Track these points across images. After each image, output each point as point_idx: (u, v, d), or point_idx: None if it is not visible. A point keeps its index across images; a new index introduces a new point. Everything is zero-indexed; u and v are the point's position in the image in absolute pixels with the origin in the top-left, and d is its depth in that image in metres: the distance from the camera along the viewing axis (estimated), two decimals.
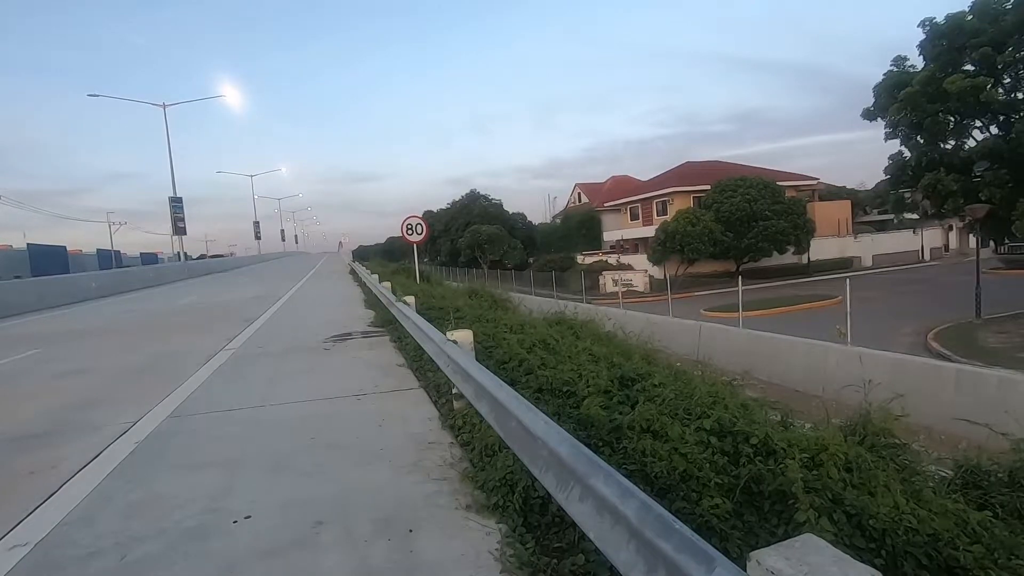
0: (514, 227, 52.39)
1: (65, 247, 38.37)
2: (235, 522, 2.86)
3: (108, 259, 49.99)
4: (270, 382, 6.00)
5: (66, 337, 11.21)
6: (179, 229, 35.09)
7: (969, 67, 18.69)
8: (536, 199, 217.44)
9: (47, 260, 32.71)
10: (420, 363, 6.11)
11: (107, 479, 3.58)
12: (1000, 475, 3.14)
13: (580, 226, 50.52)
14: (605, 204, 50.20)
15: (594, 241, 49.32)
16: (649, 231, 38.87)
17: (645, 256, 37.11)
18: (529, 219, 57.62)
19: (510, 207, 56.66)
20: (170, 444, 4.20)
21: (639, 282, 33.84)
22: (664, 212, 40.17)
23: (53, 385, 6.69)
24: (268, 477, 3.44)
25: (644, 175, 53.74)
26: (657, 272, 34.51)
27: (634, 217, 46.18)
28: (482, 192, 56.95)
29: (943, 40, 18.85)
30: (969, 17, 18.41)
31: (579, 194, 59.58)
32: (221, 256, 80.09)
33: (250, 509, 2.99)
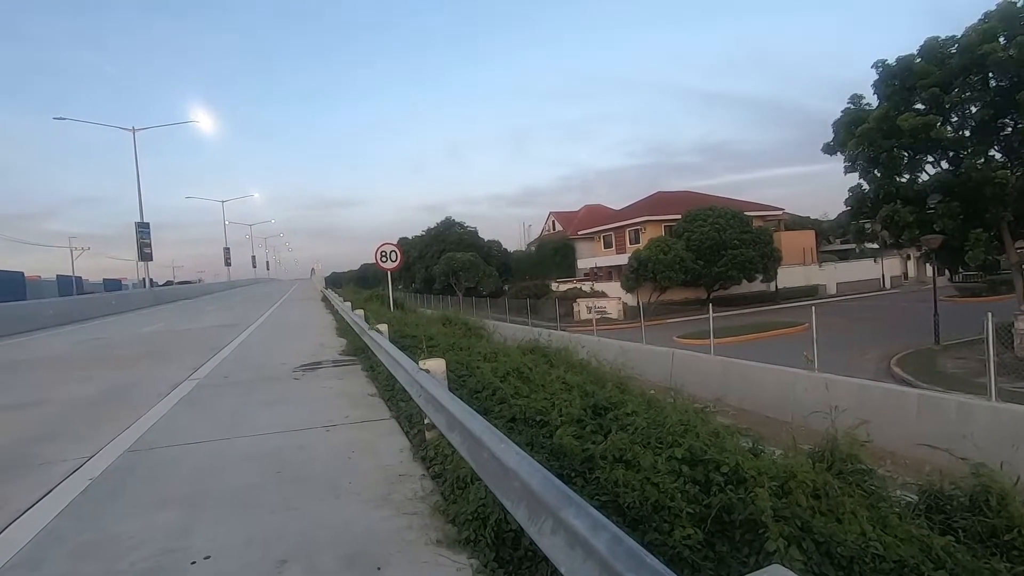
0: (489, 254, 52.65)
1: (23, 272, 36.92)
2: (193, 563, 2.73)
3: (68, 285, 48.25)
4: (236, 414, 5.81)
5: (19, 367, 10.70)
6: (145, 255, 34.22)
7: (920, 106, 19.78)
8: (511, 226, 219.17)
9: (2, 286, 31.39)
10: (392, 393, 6.01)
11: (57, 519, 3.38)
12: (961, 499, 3.22)
13: (554, 254, 51.09)
14: (579, 232, 50.95)
15: (568, 269, 49.85)
16: (622, 259, 39.50)
17: (618, 283, 37.61)
18: (504, 246, 58.04)
19: (485, 234, 57.14)
20: (127, 480, 4.01)
21: (612, 309, 34.20)
22: (637, 240, 40.96)
23: (1, 418, 6.35)
24: (231, 514, 3.30)
25: (617, 204, 54.93)
26: (630, 299, 34.96)
27: (607, 245, 46.94)
28: (457, 219, 57.39)
29: (895, 80, 19.95)
30: (918, 60, 19.56)
31: (553, 222, 60.39)
32: (189, 283, 78.01)
33: (210, 549, 2.86)
